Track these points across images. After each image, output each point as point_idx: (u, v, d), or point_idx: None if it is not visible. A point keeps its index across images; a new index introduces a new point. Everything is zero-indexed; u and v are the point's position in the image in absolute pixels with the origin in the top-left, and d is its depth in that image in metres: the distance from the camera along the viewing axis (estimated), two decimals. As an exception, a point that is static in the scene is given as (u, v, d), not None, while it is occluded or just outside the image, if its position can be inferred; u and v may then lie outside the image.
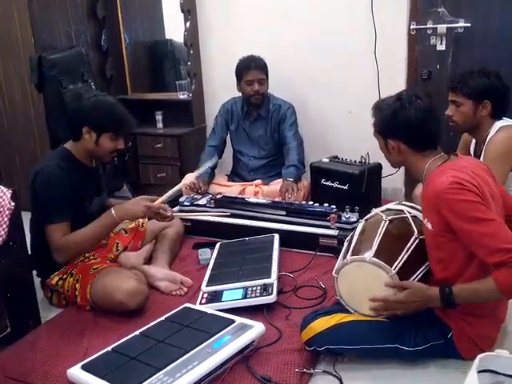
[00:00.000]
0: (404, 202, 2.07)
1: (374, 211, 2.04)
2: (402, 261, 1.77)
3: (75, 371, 1.77)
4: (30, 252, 2.30)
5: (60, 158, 2.25)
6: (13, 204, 1.97)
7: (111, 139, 2.25)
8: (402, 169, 3.24)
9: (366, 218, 2.06)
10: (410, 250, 1.80)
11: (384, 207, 2.06)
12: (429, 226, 1.72)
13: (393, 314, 1.76)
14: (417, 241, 1.82)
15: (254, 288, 2.17)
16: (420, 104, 1.75)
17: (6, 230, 1.95)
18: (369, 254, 1.79)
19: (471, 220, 1.59)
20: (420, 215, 1.93)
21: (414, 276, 1.77)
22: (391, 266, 1.75)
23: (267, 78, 3.23)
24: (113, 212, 2.21)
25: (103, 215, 2.26)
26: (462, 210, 1.60)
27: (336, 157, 3.17)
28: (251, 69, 3.15)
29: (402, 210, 1.95)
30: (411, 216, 1.91)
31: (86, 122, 2.21)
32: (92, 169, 2.37)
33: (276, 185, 3.15)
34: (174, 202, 3.33)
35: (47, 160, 2.27)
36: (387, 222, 1.90)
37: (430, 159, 1.76)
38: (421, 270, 1.80)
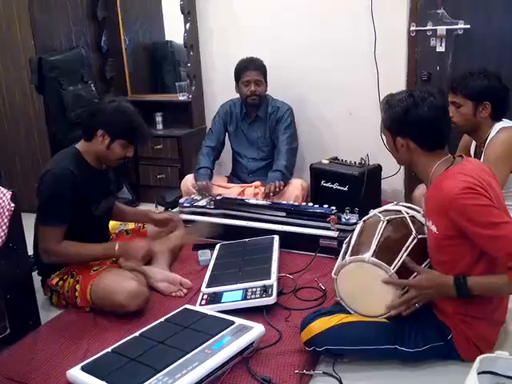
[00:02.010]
0: (402, 203, 2.08)
1: (372, 212, 2.04)
2: (401, 260, 1.78)
3: (75, 372, 1.76)
4: (32, 250, 2.31)
5: (70, 161, 2.23)
6: (13, 205, 1.96)
7: (123, 147, 2.25)
8: (402, 170, 3.25)
9: (364, 219, 2.06)
10: (409, 250, 1.80)
11: (382, 208, 2.06)
12: (433, 228, 1.70)
13: (410, 310, 1.74)
14: (415, 240, 1.83)
15: (254, 289, 2.17)
16: (433, 102, 1.69)
17: (6, 231, 1.94)
18: (368, 254, 1.79)
19: (486, 225, 1.56)
20: (418, 215, 1.94)
21: (414, 275, 1.77)
22: (390, 266, 1.76)
23: (265, 80, 3.22)
24: (116, 247, 2.28)
25: (107, 244, 2.37)
26: (477, 216, 1.57)
27: (336, 158, 3.17)
28: (248, 69, 3.16)
29: (400, 211, 1.96)
30: (409, 216, 1.92)
31: (103, 125, 2.20)
32: (101, 172, 2.36)
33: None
34: (174, 203, 3.34)
35: (58, 161, 2.26)
36: (385, 223, 1.90)
37: (438, 160, 1.72)
38: (420, 269, 1.80)
